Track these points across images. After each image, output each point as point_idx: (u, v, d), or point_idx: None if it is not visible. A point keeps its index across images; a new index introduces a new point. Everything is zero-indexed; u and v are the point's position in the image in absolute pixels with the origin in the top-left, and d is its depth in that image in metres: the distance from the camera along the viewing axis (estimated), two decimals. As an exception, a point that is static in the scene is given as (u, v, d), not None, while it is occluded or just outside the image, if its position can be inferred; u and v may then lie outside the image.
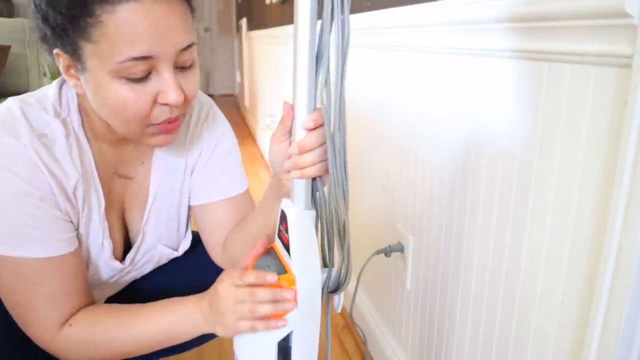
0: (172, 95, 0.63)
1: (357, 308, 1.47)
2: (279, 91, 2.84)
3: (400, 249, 1.11)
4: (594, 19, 0.53)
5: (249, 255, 0.68)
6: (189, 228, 0.92)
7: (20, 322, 0.69)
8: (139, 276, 0.90)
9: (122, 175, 0.80)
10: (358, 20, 1.29)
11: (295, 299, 0.62)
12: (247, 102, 4.87)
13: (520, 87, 0.68)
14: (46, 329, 0.69)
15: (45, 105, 0.69)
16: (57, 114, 0.69)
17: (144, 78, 0.62)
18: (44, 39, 0.65)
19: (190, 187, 0.87)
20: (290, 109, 0.61)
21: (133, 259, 0.83)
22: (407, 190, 1.08)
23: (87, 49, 0.60)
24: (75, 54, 0.62)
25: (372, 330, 1.35)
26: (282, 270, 0.63)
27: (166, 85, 0.63)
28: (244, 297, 0.62)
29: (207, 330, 0.68)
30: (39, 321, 0.69)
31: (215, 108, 0.88)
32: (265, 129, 3.36)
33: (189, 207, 0.89)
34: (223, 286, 0.64)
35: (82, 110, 0.71)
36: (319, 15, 0.57)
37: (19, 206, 0.64)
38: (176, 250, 0.90)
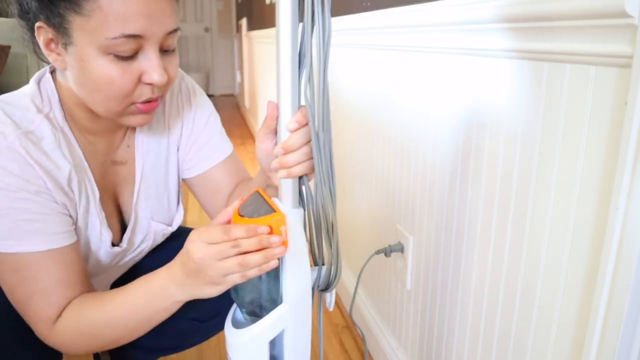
0: (157, 76, 0.65)
1: (357, 308, 1.47)
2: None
3: (400, 249, 1.11)
4: (594, 19, 0.53)
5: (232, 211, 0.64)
6: (180, 203, 0.93)
7: (25, 319, 0.70)
8: (140, 257, 0.91)
9: (114, 161, 0.81)
10: (357, 21, 1.29)
11: (285, 242, 0.59)
12: (247, 102, 4.87)
13: (520, 88, 0.68)
14: (43, 324, 0.69)
15: (26, 103, 0.69)
16: (39, 110, 0.69)
17: (131, 57, 0.64)
18: (25, 12, 0.66)
19: (181, 163, 0.89)
20: (274, 108, 0.62)
21: (130, 239, 0.84)
22: (407, 190, 1.08)
23: (76, 23, 0.61)
24: (61, 27, 0.62)
25: (371, 330, 1.35)
26: (269, 210, 0.60)
27: (152, 66, 0.65)
28: (227, 252, 0.58)
29: (186, 298, 0.64)
30: (38, 317, 0.69)
31: (187, 79, 0.89)
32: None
33: (183, 180, 0.91)
34: (197, 247, 0.59)
35: (64, 104, 0.72)
36: (300, 18, 0.57)
37: (14, 201, 0.64)
38: (170, 225, 0.91)
